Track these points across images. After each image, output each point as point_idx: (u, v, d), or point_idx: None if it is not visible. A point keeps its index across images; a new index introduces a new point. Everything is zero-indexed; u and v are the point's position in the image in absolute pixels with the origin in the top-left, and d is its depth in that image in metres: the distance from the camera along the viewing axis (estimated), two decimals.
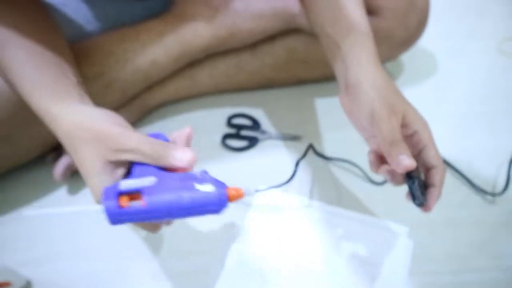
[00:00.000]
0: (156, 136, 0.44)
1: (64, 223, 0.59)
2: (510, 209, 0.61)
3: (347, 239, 0.57)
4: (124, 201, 0.36)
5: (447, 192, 0.62)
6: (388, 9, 0.68)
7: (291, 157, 0.66)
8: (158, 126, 0.72)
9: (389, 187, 0.63)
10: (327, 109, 0.73)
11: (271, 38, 0.70)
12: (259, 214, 0.60)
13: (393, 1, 0.68)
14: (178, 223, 0.49)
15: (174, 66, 0.67)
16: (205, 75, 0.71)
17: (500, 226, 0.59)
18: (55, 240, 0.57)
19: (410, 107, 0.48)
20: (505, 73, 0.83)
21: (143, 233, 0.57)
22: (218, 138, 0.69)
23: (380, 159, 0.49)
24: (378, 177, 0.64)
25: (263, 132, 0.70)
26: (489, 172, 0.65)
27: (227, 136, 0.69)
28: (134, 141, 0.40)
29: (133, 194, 0.36)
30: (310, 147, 0.64)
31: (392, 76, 0.82)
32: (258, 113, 0.73)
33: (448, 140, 0.70)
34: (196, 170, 0.40)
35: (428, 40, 0.83)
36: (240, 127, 0.71)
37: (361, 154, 0.65)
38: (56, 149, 0.64)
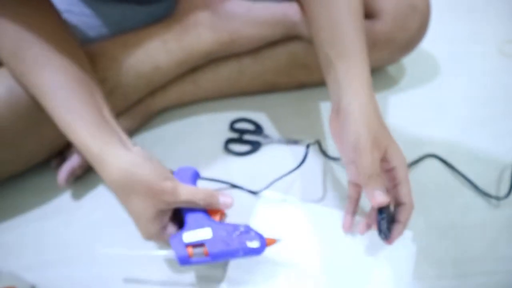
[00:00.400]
0: (187, 169, 0.55)
1: (70, 228, 0.60)
2: None
3: (350, 242, 0.57)
4: (191, 250, 0.48)
5: (451, 196, 0.63)
6: (389, 12, 0.69)
7: (294, 161, 0.66)
8: (161, 130, 0.72)
9: None
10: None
11: (272, 43, 0.70)
12: (263, 215, 0.60)
13: (393, 5, 0.69)
14: None
15: (176, 71, 0.68)
16: (207, 80, 0.72)
17: (505, 230, 0.59)
18: (60, 246, 0.58)
19: (393, 142, 0.50)
20: (507, 75, 0.83)
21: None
22: (221, 142, 0.70)
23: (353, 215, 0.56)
24: None
25: (266, 136, 0.70)
26: (493, 175, 0.65)
27: (230, 141, 0.70)
28: (187, 194, 0.49)
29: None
30: (317, 142, 0.65)
31: (394, 79, 0.82)
32: (260, 118, 0.73)
33: (450, 143, 0.70)
34: (241, 224, 0.50)
35: (429, 43, 0.83)
36: (242, 131, 0.71)
37: None
38: (60, 154, 0.64)
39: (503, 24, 0.95)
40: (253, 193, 0.62)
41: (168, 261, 0.54)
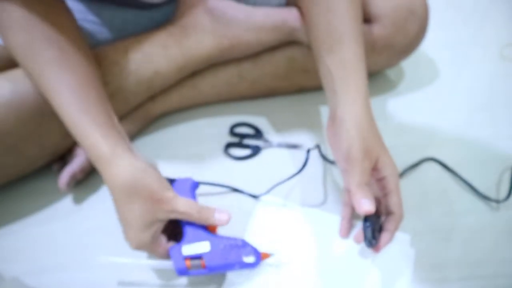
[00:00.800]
0: (186, 181, 0.55)
1: (71, 232, 0.60)
2: None
3: (349, 247, 0.57)
4: (189, 263, 0.50)
5: (451, 199, 0.63)
6: (388, 17, 0.69)
7: (294, 165, 0.66)
8: (161, 135, 0.72)
9: None
10: None
11: (271, 48, 0.71)
12: (263, 219, 0.60)
13: (392, 9, 0.69)
14: None
15: (177, 76, 0.68)
16: (207, 85, 0.72)
17: (505, 232, 0.59)
18: (61, 250, 0.58)
19: (386, 153, 0.51)
20: (507, 79, 0.83)
21: None
22: (221, 147, 0.70)
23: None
24: None
25: (266, 140, 0.71)
26: (492, 178, 0.65)
27: (229, 145, 0.70)
28: (184, 206, 0.49)
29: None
30: (317, 147, 0.65)
31: (393, 83, 0.82)
32: (260, 122, 0.74)
33: (450, 147, 0.70)
34: (238, 238, 0.52)
35: (429, 47, 0.84)
36: (242, 136, 0.72)
37: None
38: (61, 158, 0.64)
39: (503, 28, 0.95)
40: (254, 197, 0.62)
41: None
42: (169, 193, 0.50)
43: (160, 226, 0.50)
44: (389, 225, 0.51)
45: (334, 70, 0.53)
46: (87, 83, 0.52)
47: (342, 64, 0.53)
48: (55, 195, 0.63)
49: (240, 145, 0.70)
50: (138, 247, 0.50)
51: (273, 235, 0.58)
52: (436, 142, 0.71)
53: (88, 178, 0.64)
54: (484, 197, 0.62)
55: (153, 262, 0.53)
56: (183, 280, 0.55)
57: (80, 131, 0.50)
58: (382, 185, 0.51)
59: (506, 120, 0.75)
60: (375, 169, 0.50)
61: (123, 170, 0.48)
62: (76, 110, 0.50)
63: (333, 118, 0.53)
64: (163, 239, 0.51)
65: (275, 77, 0.73)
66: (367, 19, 0.70)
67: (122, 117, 0.67)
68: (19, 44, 0.51)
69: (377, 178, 0.51)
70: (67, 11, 0.55)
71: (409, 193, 0.63)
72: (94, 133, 0.49)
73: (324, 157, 0.67)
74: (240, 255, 0.51)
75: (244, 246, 0.52)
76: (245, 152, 0.69)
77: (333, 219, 0.59)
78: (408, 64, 0.84)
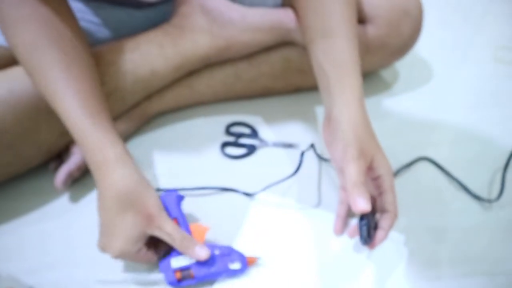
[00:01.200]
0: (171, 194, 0.56)
1: (68, 230, 0.60)
2: (506, 214, 0.61)
3: (343, 245, 0.57)
4: (179, 274, 0.52)
5: (444, 198, 0.64)
6: (382, 17, 0.70)
7: (289, 164, 0.67)
8: (157, 134, 0.72)
9: None
10: None
11: (267, 48, 0.71)
12: (257, 217, 0.60)
13: (386, 10, 0.70)
14: None
15: (173, 75, 0.68)
16: (203, 84, 0.72)
17: (497, 231, 0.60)
18: (58, 248, 0.58)
19: (380, 152, 0.52)
20: (500, 80, 0.84)
21: None
22: (217, 146, 0.70)
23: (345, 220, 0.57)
24: None
25: (261, 140, 0.71)
26: (485, 178, 0.66)
27: (225, 144, 0.70)
28: (172, 229, 0.51)
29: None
30: (312, 146, 0.66)
31: (387, 84, 0.83)
32: (256, 121, 0.74)
33: (444, 147, 0.71)
34: (224, 246, 0.54)
35: (423, 48, 0.84)
36: (238, 135, 0.72)
37: None
38: (58, 157, 0.65)
39: (498, 30, 0.97)
40: (248, 195, 0.63)
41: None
42: (162, 213, 0.51)
43: (145, 239, 0.51)
44: (384, 223, 0.51)
45: (329, 70, 0.53)
46: (90, 87, 0.53)
47: (337, 64, 0.54)
48: (52, 194, 0.63)
49: (236, 144, 0.71)
50: (120, 256, 0.50)
51: (267, 234, 0.59)
52: (430, 142, 0.71)
53: (85, 177, 0.65)
54: (476, 197, 0.63)
55: (145, 278, 0.54)
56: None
57: (83, 134, 0.50)
58: (377, 184, 0.52)
59: (498, 121, 0.76)
60: (370, 168, 0.51)
61: (123, 178, 0.49)
62: (81, 114, 0.50)
63: (328, 118, 0.54)
64: (143, 248, 0.52)
65: (271, 77, 0.74)
66: (361, 19, 0.71)
67: (118, 116, 0.67)
68: (25, 42, 0.51)
69: (372, 177, 0.52)
70: (71, 11, 0.55)
71: (403, 192, 0.63)
72: (100, 138, 0.50)
73: (319, 156, 0.67)
74: (227, 263, 0.53)
75: (230, 253, 0.53)
76: (241, 151, 0.70)
77: (328, 217, 0.60)
78: (402, 65, 0.85)
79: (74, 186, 0.64)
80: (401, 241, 0.58)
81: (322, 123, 0.55)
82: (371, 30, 0.70)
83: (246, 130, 0.73)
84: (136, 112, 0.70)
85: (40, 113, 0.57)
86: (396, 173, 0.66)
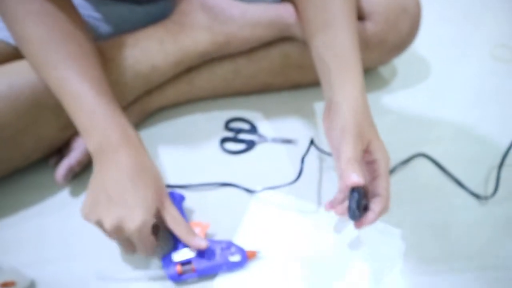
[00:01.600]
0: (172, 194, 0.58)
1: (68, 224, 0.60)
2: (501, 210, 0.62)
3: (341, 239, 0.58)
4: (180, 268, 0.53)
5: (440, 194, 0.64)
6: (380, 14, 0.70)
7: (287, 160, 0.67)
8: (157, 129, 0.73)
9: None
10: None
11: (267, 44, 0.71)
12: (257, 213, 0.61)
13: (385, 6, 0.70)
14: None
15: (173, 71, 0.69)
16: (203, 80, 0.73)
17: (492, 227, 0.61)
18: (58, 242, 0.58)
19: (378, 138, 0.53)
20: (497, 78, 0.85)
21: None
22: (216, 141, 0.71)
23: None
24: None
25: (260, 135, 0.72)
26: (481, 175, 0.67)
27: (225, 140, 0.71)
28: (177, 212, 0.53)
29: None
30: (311, 143, 0.66)
31: (385, 80, 0.83)
32: (255, 117, 0.75)
33: (441, 143, 0.71)
34: (224, 240, 0.56)
35: (421, 45, 0.85)
36: (237, 130, 0.73)
37: None
38: (58, 152, 0.65)
39: (495, 28, 0.97)
40: (249, 191, 0.64)
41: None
42: (168, 197, 0.54)
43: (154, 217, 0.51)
44: (375, 205, 0.51)
45: (330, 61, 0.54)
46: (101, 76, 0.55)
47: (338, 55, 0.54)
48: (52, 188, 0.63)
49: (235, 139, 0.71)
50: (139, 229, 0.49)
51: (266, 228, 0.59)
52: (428, 139, 0.72)
53: (85, 172, 0.65)
54: (472, 193, 0.64)
55: (147, 272, 0.54)
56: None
57: (98, 113, 0.52)
58: (372, 168, 0.52)
59: (495, 118, 0.76)
60: (366, 151, 0.51)
61: (139, 154, 0.52)
62: (96, 95, 0.52)
63: (329, 108, 0.54)
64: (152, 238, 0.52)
65: (270, 73, 0.74)
66: (359, 16, 0.71)
67: None
68: (36, 36, 0.52)
69: (367, 160, 0.52)
70: (74, 7, 0.57)
71: (400, 188, 0.64)
72: (116, 116, 0.53)
73: (320, 150, 0.67)
74: (227, 256, 0.54)
75: (229, 247, 0.54)
76: (240, 146, 0.70)
77: (327, 214, 0.61)
78: (400, 62, 0.85)
79: (74, 181, 0.64)
80: (398, 236, 0.58)
81: (323, 115, 0.56)
82: (370, 26, 0.71)
83: (245, 126, 0.74)
84: (136, 107, 0.70)
85: (41, 108, 0.58)
86: (394, 169, 0.67)
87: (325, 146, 0.67)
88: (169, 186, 0.63)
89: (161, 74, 0.67)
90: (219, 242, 0.55)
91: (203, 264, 0.53)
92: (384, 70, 0.85)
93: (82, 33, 0.55)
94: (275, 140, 0.71)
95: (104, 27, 0.68)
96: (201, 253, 0.53)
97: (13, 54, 0.59)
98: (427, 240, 0.59)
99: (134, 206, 0.49)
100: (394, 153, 0.67)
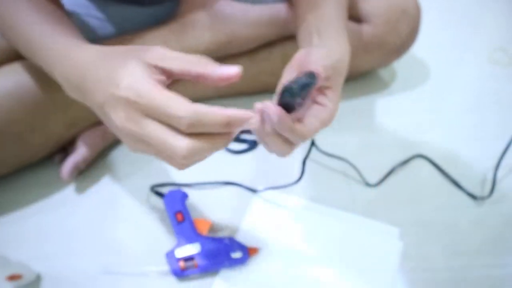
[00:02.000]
0: (176, 192, 0.59)
1: (73, 220, 0.62)
2: (497, 211, 0.63)
3: (340, 239, 0.59)
4: (183, 264, 0.54)
5: (438, 194, 0.65)
6: (381, 16, 0.71)
7: (289, 160, 0.68)
8: None
9: (384, 189, 0.66)
10: None
11: (268, 44, 0.73)
12: (259, 211, 0.62)
13: (385, 9, 0.71)
14: None
15: None
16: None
17: (488, 226, 0.62)
18: (63, 237, 0.60)
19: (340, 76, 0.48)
20: (495, 81, 0.86)
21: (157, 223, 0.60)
22: None
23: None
24: (373, 179, 0.66)
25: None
26: (478, 176, 0.68)
27: None
28: (177, 52, 0.40)
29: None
30: (313, 144, 0.67)
31: (385, 83, 0.84)
32: None
33: (438, 145, 0.72)
34: (225, 237, 0.57)
35: (421, 48, 0.86)
36: (240, 131, 0.73)
37: (357, 158, 0.68)
38: (63, 149, 0.66)
39: (494, 32, 0.98)
40: (252, 190, 0.65)
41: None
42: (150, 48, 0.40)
43: (156, 71, 0.38)
44: (319, 113, 0.45)
45: (311, 21, 0.51)
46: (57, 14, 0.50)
47: (321, 18, 0.51)
48: (57, 185, 0.65)
49: (237, 139, 0.72)
50: (132, 97, 0.36)
51: (268, 226, 0.61)
52: (426, 140, 0.73)
53: (90, 169, 0.66)
54: (469, 194, 0.65)
55: (150, 269, 0.55)
56: None
57: (49, 40, 0.46)
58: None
59: (493, 121, 0.77)
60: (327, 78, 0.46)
61: (94, 46, 0.45)
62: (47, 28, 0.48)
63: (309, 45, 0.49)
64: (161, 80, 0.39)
65: (272, 74, 0.75)
66: (359, 18, 0.72)
67: None
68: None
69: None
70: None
71: (399, 189, 0.66)
72: (66, 29, 0.48)
73: (322, 152, 0.68)
74: (228, 252, 0.55)
75: (231, 243, 0.55)
76: (243, 146, 0.72)
77: (328, 212, 0.62)
78: (400, 65, 0.86)
79: (79, 177, 0.66)
80: (396, 235, 0.60)
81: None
82: (369, 29, 0.72)
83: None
84: None
85: (48, 105, 0.59)
86: (393, 170, 0.68)
87: (326, 147, 0.68)
88: (173, 184, 0.65)
89: None
90: (221, 239, 0.56)
91: (206, 260, 0.54)
92: (384, 73, 0.86)
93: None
94: None
95: (107, 28, 0.69)
96: (204, 250, 0.54)
97: (18, 53, 0.59)
98: (425, 240, 0.60)
99: (116, 79, 0.38)
100: (393, 153, 0.69)
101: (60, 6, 0.53)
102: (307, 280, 0.55)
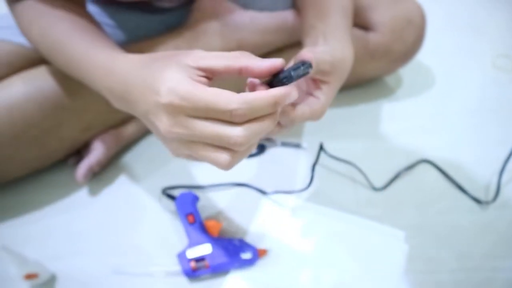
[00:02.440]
0: (187, 195, 0.61)
1: (87, 221, 0.63)
2: (502, 215, 0.64)
3: (347, 241, 0.60)
4: (194, 264, 0.55)
5: (444, 199, 0.66)
6: (386, 25, 0.73)
7: (297, 163, 0.70)
8: None
9: (390, 193, 0.67)
10: (332, 119, 0.76)
11: (277, 51, 0.74)
12: (268, 213, 0.63)
13: (390, 18, 0.73)
14: None
15: None
16: (215, 85, 0.75)
17: (492, 230, 0.63)
18: (78, 238, 0.61)
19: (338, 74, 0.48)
20: (499, 87, 0.87)
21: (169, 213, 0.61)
22: None
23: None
24: (379, 183, 0.68)
25: (270, 140, 0.74)
26: (482, 181, 0.69)
27: None
28: (216, 52, 0.40)
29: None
30: (321, 148, 0.68)
31: (391, 89, 0.86)
32: None
33: (443, 150, 0.73)
34: (235, 238, 0.58)
35: (426, 55, 0.87)
36: None
37: (363, 162, 0.69)
38: (77, 153, 0.68)
39: (497, 39, 0.99)
40: (262, 192, 0.66)
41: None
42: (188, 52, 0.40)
43: (196, 73, 0.38)
44: (311, 103, 0.46)
45: (322, 30, 0.51)
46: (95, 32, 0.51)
47: (326, 18, 0.52)
48: (72, 187, 0.66)
49: None
50: (173, 100, 0.36)
51: (277, 228, 0.62)
52: (431, 146, 0.74)
53: (104, 172, 0.68)
54: (474, 199, 0.66)
55: (162, 269, 0.57)
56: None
57: (92, 55, 0.47)
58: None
59: (497, 126, 0.78)
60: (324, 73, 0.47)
61: (133, 55, 0.45)
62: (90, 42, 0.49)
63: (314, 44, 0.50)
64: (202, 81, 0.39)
65: None
66: (366, 27, 0.74)
67: (130, 119, 0.70)
68: (39, 30, 0.51)
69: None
70: (86, 11, 0.56)
71: (404, 193, 0.67)
72: (111, 50, 0.48)
73: (330, 155, 0.69)
74: (239, 253, 0.56)
75: (241, 244, 0.57)
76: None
77: (336, 214, 0.63)
78: (406, 72, 0.88)
79: (93, 180, 0.67)
80: (402, 238, 0.61)
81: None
82: (376, 37, 0.73)
83: None
84: None
85: (65, 110, 0.61)
86: (398, 174, 0.69)
87: (333, 152, 0.69)
88: (184, 187, 0.66)
89: None
90: (232, 240, 0.58)
91: (217, 260, 0.55)
92: (389, 79, 0.87)
93: (82, 17, 0.53)
94: (284, 144, 0.74)
95: (119, 35, 0.70)
96: (215, 250, 0.56)
97: (38, 59, 0.61)
98: (430, 243, 0.61)
99: (162, 81, 0.37)
100: (398, 159, 0.71)
101: (93, 21, 0.55)
102: (314, 282, 0.56)
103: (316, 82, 0.47)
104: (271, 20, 0.70)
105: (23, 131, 0.59)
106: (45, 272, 0.55)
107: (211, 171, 0.68)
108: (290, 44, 0.73)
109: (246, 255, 0.56)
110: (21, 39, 0.60)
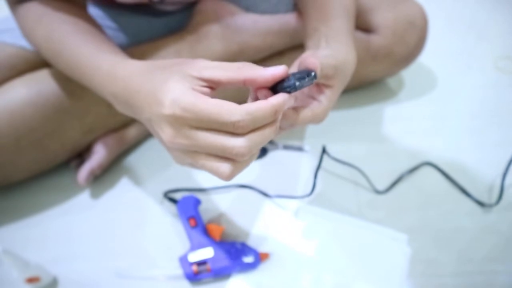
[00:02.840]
0: (189, 198, 0.61)
1: (88, 224, 0.63)
2: (505, 218, 0.64)
3: (350, 244, 0.60)
4: (196, 268, 0.55)
5: (446, 201, 0.66)
6: (388, 27, 0.73)
7: (298, 166, 0.70)
8: None
9: (393, 196, 0.67)
10: (334, 121, 0.76)
11: (279, 54, 0.74)
12: (270, 217, 0.63)
13: (393, 20, 0.73)
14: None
15: None
16: (218, 91, 0.75)
17: (494, 233, 0.62)
18: (79, 241, 0.61)
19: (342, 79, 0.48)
20: (501, 89, 0.87)
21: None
22: None
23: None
24: (381, 186, 0.68)
25: (272, 143, 0.74)
26: (485, 183, 0.69)
27: None
28: (219, 62, 0.40)
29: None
30: (324, 151, 0.68)
31: (393, 91, 0.86)
32: None
33: (445, 153, 0.73)
34: (237, 242, 0.58)
35: (428, 57, 0.87)
36: None
37: (365, 165, 0.69)
38: (79, 155, 0.68)
39: (499, 41, 0.99)
40: (264, 194, 0.66)
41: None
42: (191, 61, 0.40)
43: (199, 83, 0.38)
44: (313, 106, 0.46)
45: (324, 33, 0.51)
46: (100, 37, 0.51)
47: (330, 20, 0.52)
48: (73, 190, 0.66)
49: None
50: (175, 108, 0.36)
51: (279, 232, 0.62)
52: (433, 148, 0.74)
53: (105, 175, 0.68)
54: (477, 201, 0.66)
55: (164, 272, 0.57)
56: None
57: (98, 57, 0.47)
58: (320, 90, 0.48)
59: (499, 128, 0.78)
60: (328, 77, 0.46)
61: (138, 62, 0.45)
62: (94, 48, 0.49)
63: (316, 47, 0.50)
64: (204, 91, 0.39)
65: None
66: (368, 29, 0.74)
67: (132, 121, 0.70)
68: (42, 34, 0.51)
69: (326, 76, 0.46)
70: (87, 13, 0.56)
71: (407, 196, 0.67)
72: (117, 56, 0.47)
73: (333, 158, 0.69)
74: (240, 257, 0.56)
75: (243, 248, 0.57)
76: None
77: (335, 218, 0.63)
78: (408, 74, 0.88)
79: (95, 183, 0.67)
80: (405, 241, 0.60)
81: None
82: (378, 39, 0.73)
83: None
84: None
85: (66, 113, 0.61)
86: (401, 177, 0.69)
87: (336, 155, 0.69)
88: (186, 190, 0.66)
89: None
90: (234, 243, 0.57)
91: (218, 264, 0.55)
92: (391, 82, 0.87)
93: (83, 20, 0.53)
94: (286, 148, 0.74)
95: (121, 38, 0.70)
96: (217, 254, 0.56)
97: (39, 62, 0.62)
98: (433, 246, 0.61)
99: (164, 91, 0.37)
100: (401, 161, 0.71)
101: (95, 23, 0.55)
102: (316, 285, 0.56)
103: (319, 86, 0.47)
104: (272, 23, 0.70)
105: (24, 134, 0.59)
106: (46, 276, 0.55)
107: (212, 176, 0.68)
108: (292, 46, 0.73)
109: (248, 259, 0.56)
110: (23, 42, 0.61)
